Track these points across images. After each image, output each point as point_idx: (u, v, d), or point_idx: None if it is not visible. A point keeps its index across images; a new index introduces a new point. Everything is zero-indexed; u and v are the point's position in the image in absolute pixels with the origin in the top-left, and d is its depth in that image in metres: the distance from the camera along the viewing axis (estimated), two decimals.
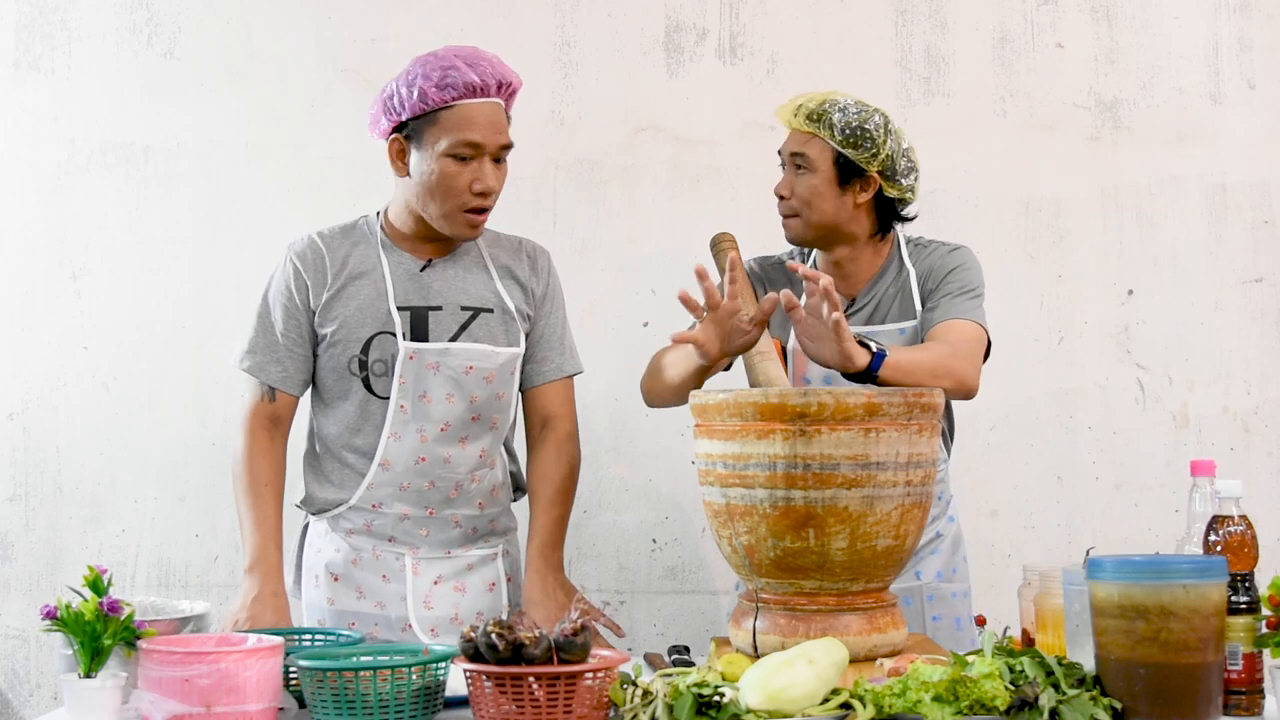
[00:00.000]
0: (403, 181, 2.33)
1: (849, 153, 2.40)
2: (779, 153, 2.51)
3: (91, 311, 3.23)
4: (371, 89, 3.24)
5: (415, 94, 2.24)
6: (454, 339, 2.33)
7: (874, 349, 2.03)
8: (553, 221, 3.23)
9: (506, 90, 2.31)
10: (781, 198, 2.47)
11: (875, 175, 2.42)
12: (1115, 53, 3.40)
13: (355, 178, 3.25)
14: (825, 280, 2.03)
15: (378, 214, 2.43)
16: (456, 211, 2.28)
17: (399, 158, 2.30)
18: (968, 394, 2.28)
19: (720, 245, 2.44)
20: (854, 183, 2.42)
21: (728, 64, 3.35)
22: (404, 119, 2.27)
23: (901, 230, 2.54)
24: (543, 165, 3.30)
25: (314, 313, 2.33)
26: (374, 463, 2.33)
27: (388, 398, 2.31)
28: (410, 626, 2.32)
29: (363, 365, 2.31)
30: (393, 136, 2.30)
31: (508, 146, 2.30)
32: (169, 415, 3.22)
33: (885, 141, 2.41)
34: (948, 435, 2.56)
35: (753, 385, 2.26)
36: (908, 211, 2.52)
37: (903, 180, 2.45)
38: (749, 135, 3.32)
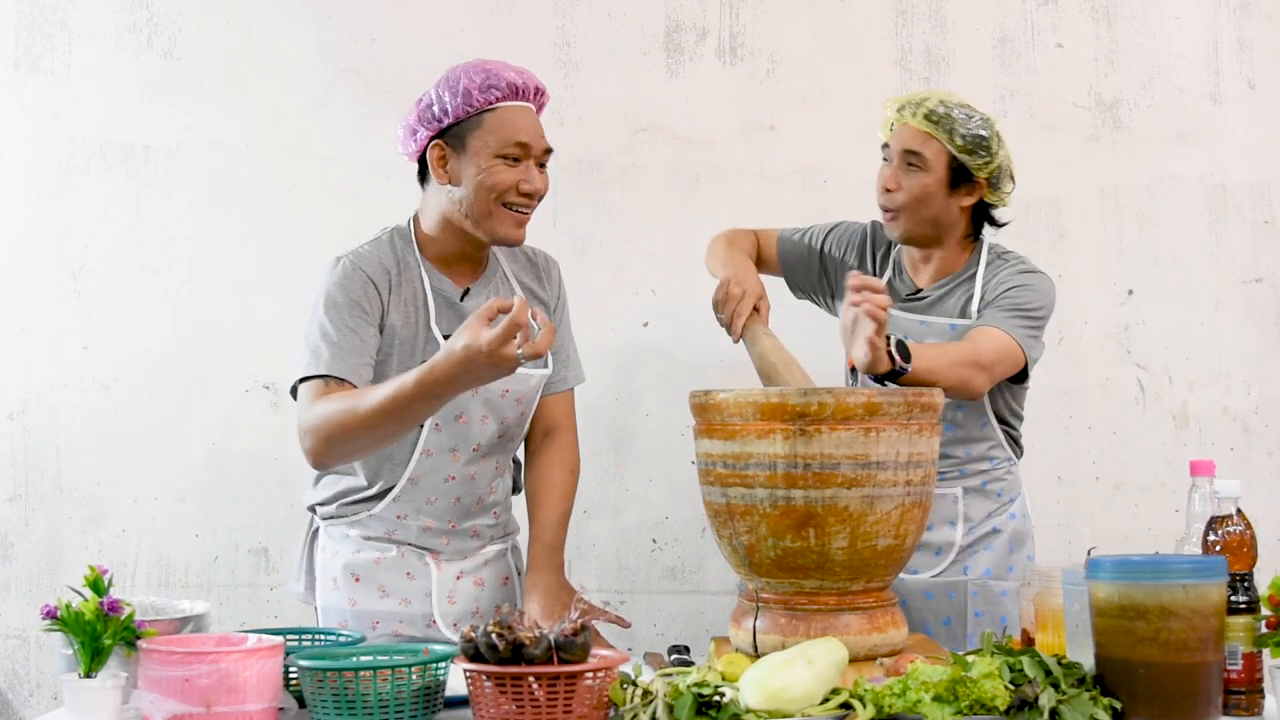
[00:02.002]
0: (440, 193, 2.29)
1: (964, 158, 2.44)
2: (884, 146, 2.53)
3: (91, 311, 3.23)
4: (372, 89, 3.26)
5: (459, 98, 2.23)
6: None
7: (898, 365, 2.07)
8: (553, 221, 3.23)
9: (541, 96, 2.31)
10: (888, 190, 2.49)
11: (983, 182, 2.47)
12: (1115, 53, 3.40)
13: (355, 178, 3.25)
14: (873, 304, 2.05)
15: (408, 223, 2.37)
16: (503, 212, 2.26)
17: (440, 165, 2.26)
18: (970, 396, 2.32)
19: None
20: (962, 187, 2.47)
21: (728, 64, 3.35)
22: (445, 124, 2.25)
23: (989, 237, 2.58)
24: None
25: (385, 319, 2.26)
26: (403, 477, 2.32)
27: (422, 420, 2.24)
28: (435, 622, 2.34)
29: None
30: (434, 144, 2.27)
31: (549, 151, 2.30)
32: (169, 415, 3.22)
33: (998, 152, 2.46)
34: (1014, 442, 2.60)
35: (757, 365, 2.32)
36: (1001, 217, 2.58)
37: (1004, 189, 2.51)
38: (749, 135, 3.32)
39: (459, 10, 3.31)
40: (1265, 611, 1.73)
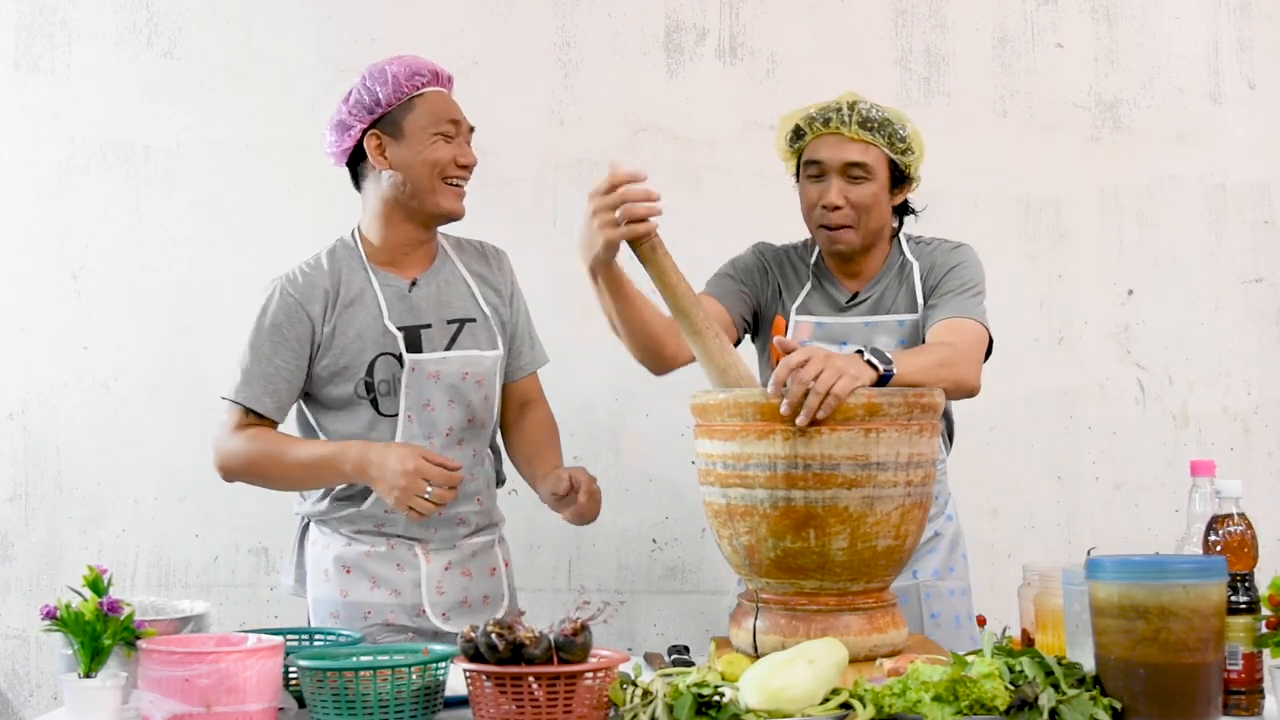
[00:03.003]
0: (379, 182, 2.41)
1: (900, 159, 2.44)
2: (809, 163, 2.44)
3: (91, 311, 3.23)
4: None
5: (389, 87, 2.37)
6: (446, 349, 2.42)
7: (881, 370, 2.00)
8: (553, 221, 3.24)
9: (451, 82, 2.47)
10: (836, 208, 2.41)
11: (915, 178, 2.48)
12: (1115, 53, 3.40)
13: None
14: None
15: (352, 234, 2.49)
16: (444, 186, 2.39)
17: (379, 152, 2.38)
18: (969, 393, 2.29)
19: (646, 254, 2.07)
20: (899, 188, 2.47)
21: (728, 64, 3.36)
22: (380, 114, 2.38)
23: (903, 230, 2.55)
24: (543, 165, 3.31)
25: (318, 345, 2.38)
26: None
27: (394, 415, 2.38)
28: (424, 612, 2.40)
29: (369, 387, 2.38)
30: (369, 134, 2.38)
31: (473, 129, 2.45)
32: (169, 415, 3.22)
33: (920, 147, 2.46)
34: (947, 435, 2.57)
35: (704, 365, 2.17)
36: (913, 205, 2.56)
37: (918, 183, 2.51)
38: (749, 135, 3.32)
39: (459, 10, 3.31)
40: (1265, 611, 1.73)
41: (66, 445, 3.22)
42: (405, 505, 2.20)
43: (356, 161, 2.43)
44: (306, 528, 2.51)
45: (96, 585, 1.76)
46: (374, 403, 2.38)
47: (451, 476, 2.22)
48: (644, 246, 1.97)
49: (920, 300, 2.45)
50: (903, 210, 2.53)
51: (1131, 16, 3.40)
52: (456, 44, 3.22)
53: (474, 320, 2.47)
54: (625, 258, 2.10)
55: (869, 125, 2.41)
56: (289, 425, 2.47)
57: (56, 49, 3.26)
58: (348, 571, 2.41)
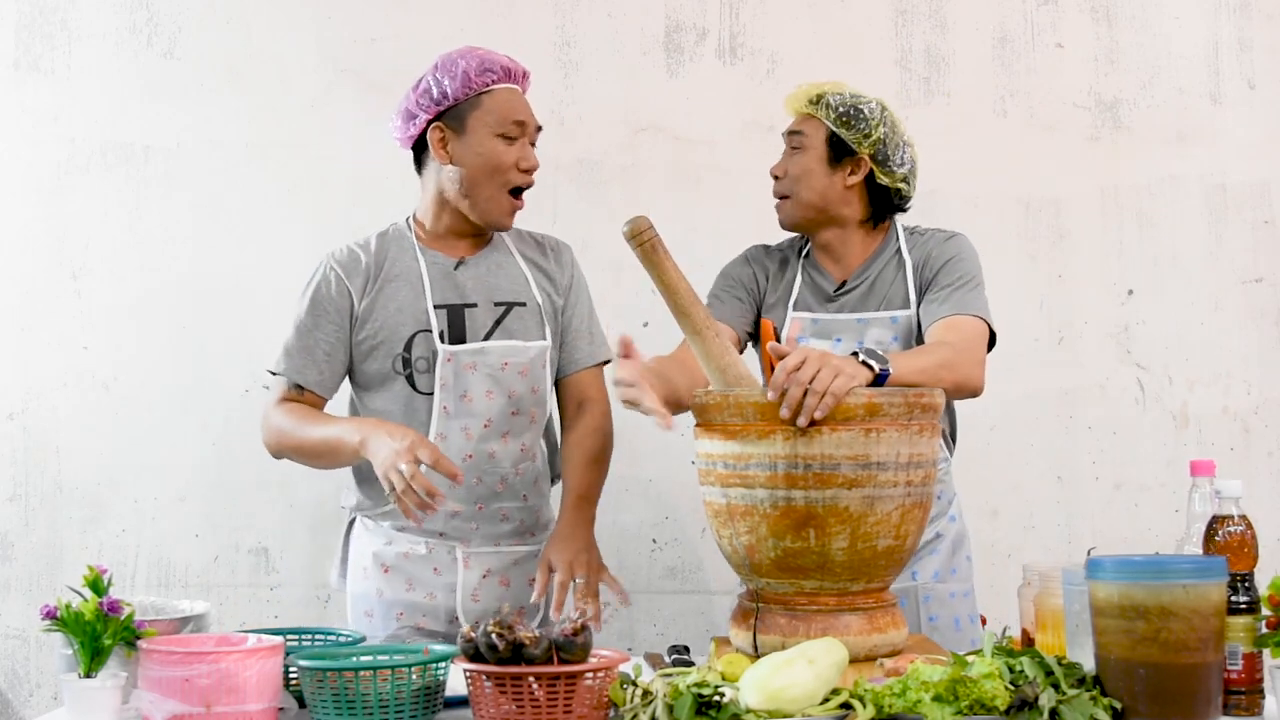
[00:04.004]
0: (438, 174, 2.39)
1: (841, 132, 2.45)
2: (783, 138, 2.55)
3: (91, 311, 3.23)
4: (372, 89, 3.26)
5: (458, 81, 2.34)
6: (489, 334, 2.39)
7: (877, 370, 2.00)
8: (553, 221, 3.23)
9: (526, 80, 2.44)
10: (776, 178, 2.52)
11: (866, 158, 2.46)
12: (1115, 53, 3.40)
13: (355, 178, 3.25)
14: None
15: (407, 220, 2.48)
16: (502, 192, 2.37)
17: (441, 145, 2.36)
18: (973, 394, 2.28)
19: (639, 239, 2.00)
20: (845, 163, 2.46)
21: (728, 64, 3.36)
22: (445, 107, 2.35)
23: (900, 221, 2.55)
24: (543, 165, 3.27)
25: (356, 318, 2.37)
26: (422, 464, 2.33)
27: (430, 393, 2.35)
28: (458, 619, 2.38)
29: (405, 363, 2.36)
30: (433, 126, 2.36)
31: (540, 129, 2.43)
32: (169, 415, 3.22)
33: (879, 125, 2.45)
34: (949, 435, 2.56)
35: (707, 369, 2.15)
36: (904, 203, 2.54)
37: (896, 169, 2.47)
38: (749, 135, 3.32)
39: (459, 10, 3.31)
40: (1265, 611, 1.73)
41: (66, 445, 3.22)
42: (385, 474, 2.10)
43: (420, 149, 2.42)
44: (352, 523, 2.49)
45: (96, 585, 1.76)
46: (410, 379, 2.36)
47: (443, 464, 2.10)
48: (644, 246, 1.97)
49: (914, 295, 2.44)
50: (883, 201, 2.50)
51: (1131, 16, 3.40)
52: (456, 44, 3.19)
53: (523, 305, 2.43)
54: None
55: (813, 100, 2.49)
56: (339, 405, 2.45)
57: (56, 49, 3.26)
58: (385, 570, 2.39)
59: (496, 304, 2.41)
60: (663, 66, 3.34)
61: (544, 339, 2.43)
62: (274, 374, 2.39)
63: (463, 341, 2.37)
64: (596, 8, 3.33)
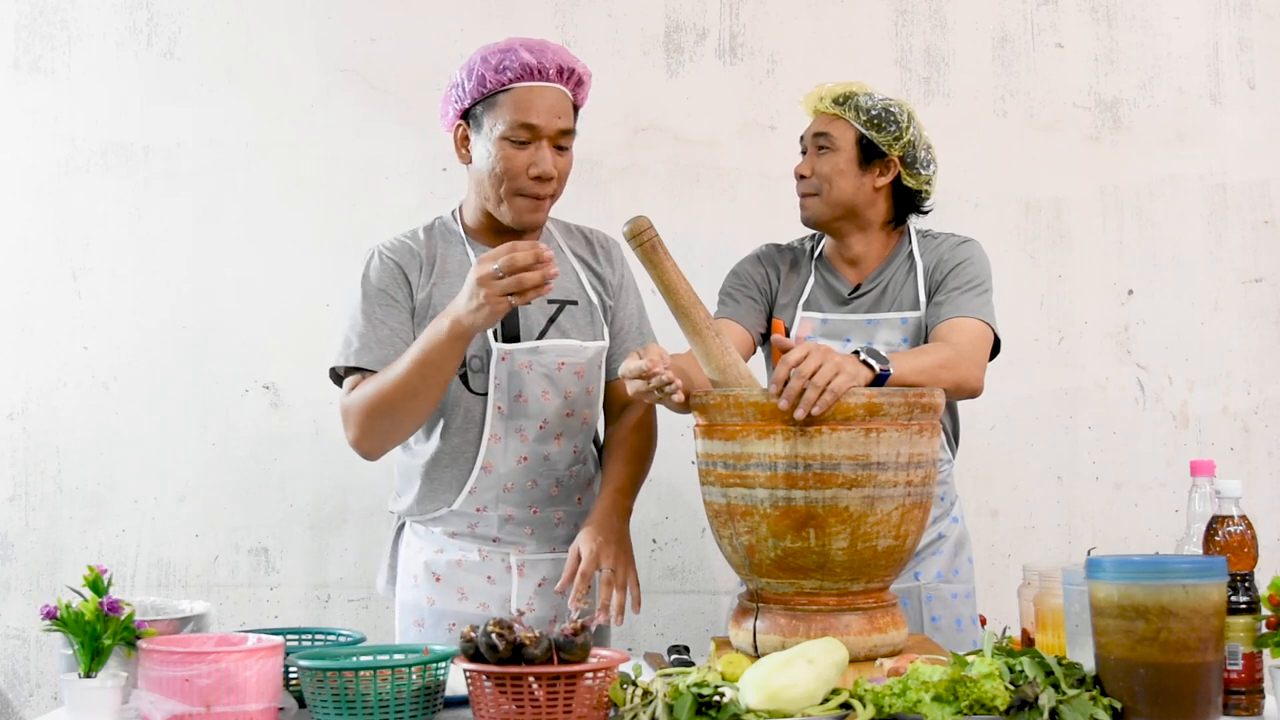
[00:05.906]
0: (470, 173, 2.31)
1: (872, 134, 2.46)
2: (800, 139, 2.55)
3: (91, 311, 3.23)
4: (372, 89, 3.26)
5: (473, 79, 2.23)
6: (543, 333, 2.30)
7: (877, 370, 2.00)
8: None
9: (569, 77, 2.26)
10: (802, 177, 2.51)
11: (896, 160, 2.47)
12: (1115, 53, 3.40)
13: (355, 178, 3.25)
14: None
15: (453, 213, 2.40)
16: (513, 196, 2.24)
17: (463, 145, 2.29)
18: (972, 394, 2.29)
19: (639, 238, 1.99)
20: (874, 165, 2.47)
21: (728, 64, 3.36)
22: (466, 105, 2.26)
23: (913, 222, 2.56)
24: None
25: (415, 309, 2.28)
26: (475, 466, 2.30)
27: (484, 394, 2.27)
28: None
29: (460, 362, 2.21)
30: (458, 124, 2.29)
31: (567, 132, 2.25)
32: (169, 415, 3.22)
33: (908, 128, 2.46)
34: (952, 436, 2.56)
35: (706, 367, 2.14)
36: (924, 205, 2.56)
37: (922, 170, 2.50)
38: (749, 135, 3.32)
39: (459, 10, 3.31)
40: (1265, 611, 1.73)
41: (66, 445, 3.22)
42: (494, 299, 1.98)
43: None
44: (401, 529, 2.42)
45: (96, 585, 1.76)
46: (464, 378, 2.27)
47: (533, 250, 1.95)
48: (644, 245, 1.97)
49: (924, 297, 2.45)
50: (905, 203, 2.52)
51: (1131, 16, 3.40)
52: (456, 44, 3.22)
53: (575, 303, 2.34)
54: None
55: (839, 100, 2.49)
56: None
57: (56, 49, 3.26)
58: (437, 579, 2.31)
59: (550, 301, 2.31)
60: (663, 66, 3.34)
61: (600, 339, 2.35)
62: (346, 372, 2.24)
63: (516, 340, 2.28)
64: (596, 7, 3.33)
